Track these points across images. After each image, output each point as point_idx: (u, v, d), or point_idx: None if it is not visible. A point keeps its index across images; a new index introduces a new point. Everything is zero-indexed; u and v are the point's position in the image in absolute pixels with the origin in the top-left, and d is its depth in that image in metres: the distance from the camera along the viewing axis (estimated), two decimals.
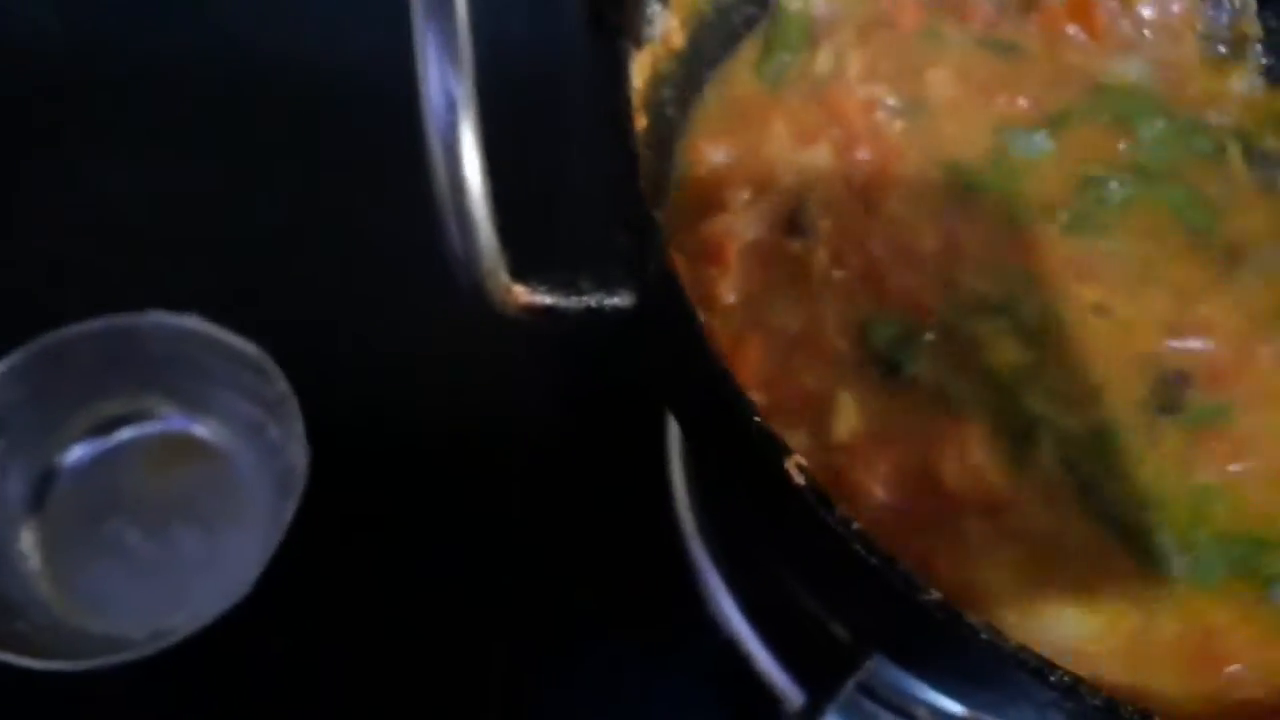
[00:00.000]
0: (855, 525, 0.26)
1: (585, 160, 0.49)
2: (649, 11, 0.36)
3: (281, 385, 0.51)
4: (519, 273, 0.28)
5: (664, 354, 0.30)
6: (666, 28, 0.38)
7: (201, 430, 0.54)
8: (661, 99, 0.41)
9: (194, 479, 0.53)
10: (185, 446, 0.54)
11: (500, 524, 0.50)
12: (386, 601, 0.50)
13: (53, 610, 0.50)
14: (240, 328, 0.52)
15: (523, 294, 0.28)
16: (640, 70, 0.37)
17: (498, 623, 0.50)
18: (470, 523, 0.51)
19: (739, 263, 0.39)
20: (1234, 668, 0.34)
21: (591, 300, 0.29)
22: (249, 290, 0.57)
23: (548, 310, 0.28)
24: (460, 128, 0.25)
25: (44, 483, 0.53)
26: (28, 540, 0.51)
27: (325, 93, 0.65)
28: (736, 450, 0.29)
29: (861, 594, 0.30)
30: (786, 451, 0.27)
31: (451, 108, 0.25)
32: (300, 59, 0.67)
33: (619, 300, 0.29)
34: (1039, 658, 0.25)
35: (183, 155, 0.63)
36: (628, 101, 0.31)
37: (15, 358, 0.51)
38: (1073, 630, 0.33)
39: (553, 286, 0.28)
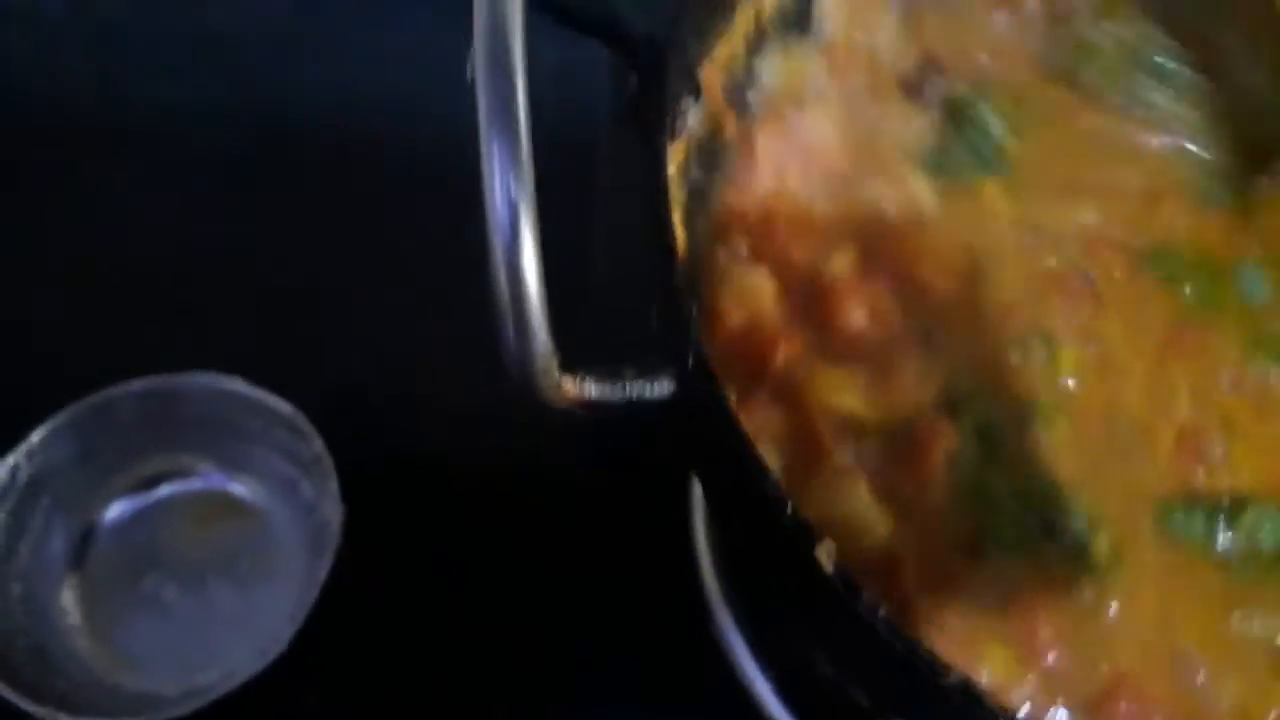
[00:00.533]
0: (881, 612, 0.28)
1: (614, 245, 0.51)
2: (682, 106, 0.38)
3: (316, 445, 0.53)
4: (566, 364, 0.29)
5: (701, 440, 0.32)
6: (698, 119, 0.40)
7: (238, 488, 0.56)
8: (691, 174, 0.42)
9: (230, 536, 0.55)
10: (222, 503, 0.56)
11: (531, 584, 0.52)
12: (420, 660, 0.51)
13: (91, 667, 0.51)
14: (275, 387, 0.54)
15: (571, 389, 0.29)
16: (673, 157, 0.39)
17: (524, 681, 0.51)
18: (501, 582, 0.52)
19: None
20: None
21: (633, 391, 0.30)
22: (284, 350, 0.59)
23: (593, 403, 0.30)
24: (521, 235, 0.27)
25: (85, 539, 0.54)
26: (68, 597, 0.53)
27: (365, 152, 0.67)
28: (767, 534, 0.31)
29: (884, 671, 0.31)
30: (818, 540, 0.28)
31: (514, 215, 0.27)
32: (340, 115, 0.69)
33: (659, 390, 0.31)
34: None
35: (218, 213, 0.65)
36: (665, 198, 0.33)
37: (61, 418, 0.53)
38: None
39: (598, 378, 0.30)
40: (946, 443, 0.37)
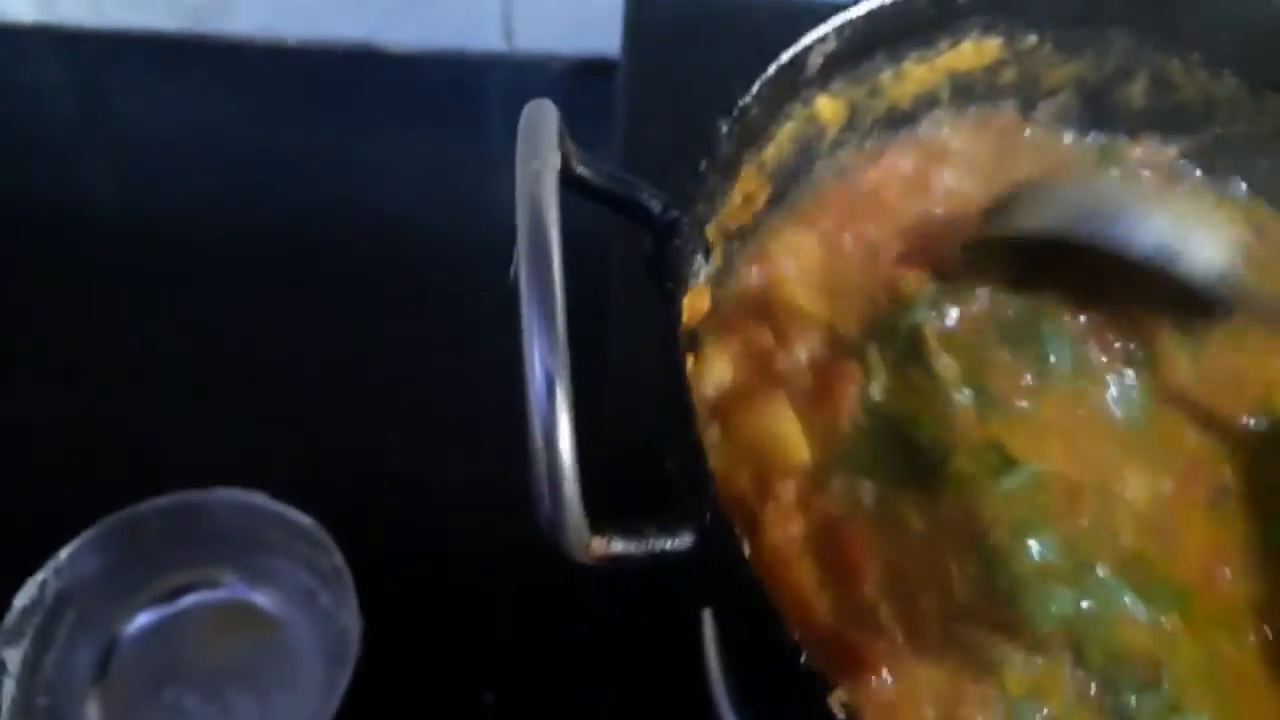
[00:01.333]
0: None
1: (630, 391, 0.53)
2: (694, 266, 0.41)
3: (336, 557, 0.55)
4: (594, 525, 0.32)
5: (719, 590, 0.34)
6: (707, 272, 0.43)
7: (259, 598, 0.58)
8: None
9: (251, 645, 0.56)
10: (243, 613, 0.57)
11: (547, 695, 0.53)
12: None
13: None
14: (297, 499, 0.56)
15: (599, 546, 0.32)
16: (688, 305, 0.42)
17: None
18: (518, 693, 0.54)
19: None
20: None
21: (655, 545, 0.33)
22: (305, 462, 0.61)
23: (619, 557, 0.32)
24: (558, 409, 0.30)
25: (109, 651, 0.56)
26: (93, 710, 0.54)
27: (381, 263, 0.70)
28: (781, 674, 0.33)
29: None
30: (830, 688, 0.31)
31: (550, 389, 0.30)
32: (357, 226, 0.72)
33: (679, 542, 0.33)
34: None
35: (238, 324, 0.68)
36: (680, 360, 0.35)
37: (89, 535, 0.55)
38: None
39: (622, 534, 0.33)
40: None
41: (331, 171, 0.75)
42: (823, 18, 0.46)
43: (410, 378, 0.65)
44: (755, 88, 0.42)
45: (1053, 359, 0.44)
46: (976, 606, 0.36)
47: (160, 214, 0.73)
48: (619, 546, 0.32)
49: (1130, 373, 0.45)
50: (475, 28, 0.81)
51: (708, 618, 0.51)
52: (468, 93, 0.81)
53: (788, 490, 0.39)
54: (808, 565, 0.37)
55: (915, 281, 0.45)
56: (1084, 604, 0.37)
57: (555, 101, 0.37)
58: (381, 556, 0.56)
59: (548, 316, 0.29)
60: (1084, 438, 0.43)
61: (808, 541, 0.38)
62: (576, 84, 0.82)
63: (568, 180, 0.36)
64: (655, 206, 0.38)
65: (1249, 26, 0.49)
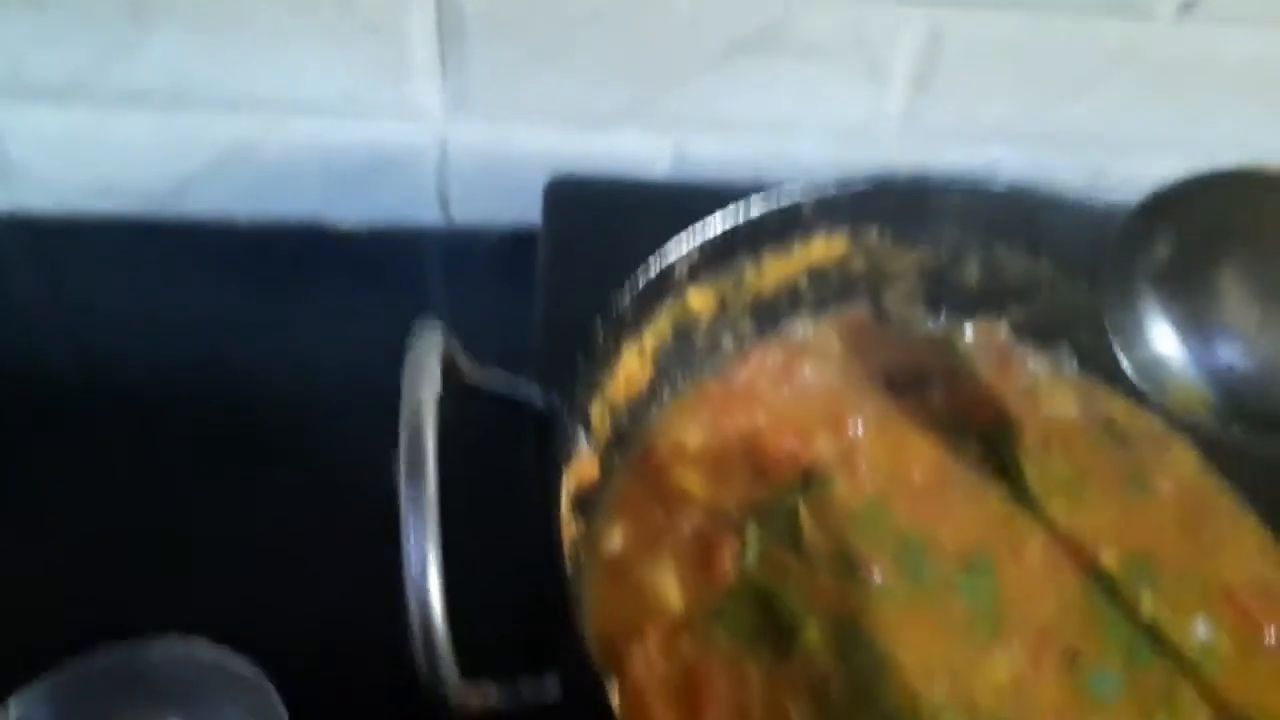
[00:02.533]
0: None
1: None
2: (578, 443, 0.48)
3: (274, 698, 0.59)
4: (469, 673, 0.37)
5: None
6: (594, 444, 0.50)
7: None
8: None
9: None
10: None
11: None
12: None
13: None
14: (236, 644, 0.60)
15: (475, 700, 0.37)
16: (572, 474, 0.49)
17: None
18: None
19: None
20: None
21: (528, 696, 0.38)
22: (246, 610, 0.65)
23: (495, 711, 0.38)
24: (430, 584, 0.36)
25: None
26: None
27: (337, 428, 0.74)
28: None
29: None
30: None
31: (424, 568, 0.36)
32: (299, 388, 0.77)
33: (548, 695, 0.39)
34: None
35: (181, 479, 0.72)
36: (559, 535, 0.42)
37: (35, 691, 0.58)
38: None
39: (497, 689, 0.38)
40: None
41: (280, 341, 0.81)
42: (724, 197, 0.53)
43: (352, 529, 0.69)
44: (627, 296, 0.49)
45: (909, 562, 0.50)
46: None
47: (116, 385, 0.78)
48: (493, 700, 0.38)
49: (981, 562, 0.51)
50: (414, 203, 0.89)
51: None
52: (409, 262, 0.88)
53: (655, 634, 0.45)
54: (662, 704, 0.42)
55: (791, 465, 0.52)
56: None
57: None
58: (318, 697, 0.60)
59: (421, 513, 0.35)
60: (939, 620, 0.49)
61: (665, 682, 0.43)
62: (509, 251, 0.89)
63: (459, 388, 0.43)
64: (536, 399, 0.45)
65: (1053, 220, 0.58)
